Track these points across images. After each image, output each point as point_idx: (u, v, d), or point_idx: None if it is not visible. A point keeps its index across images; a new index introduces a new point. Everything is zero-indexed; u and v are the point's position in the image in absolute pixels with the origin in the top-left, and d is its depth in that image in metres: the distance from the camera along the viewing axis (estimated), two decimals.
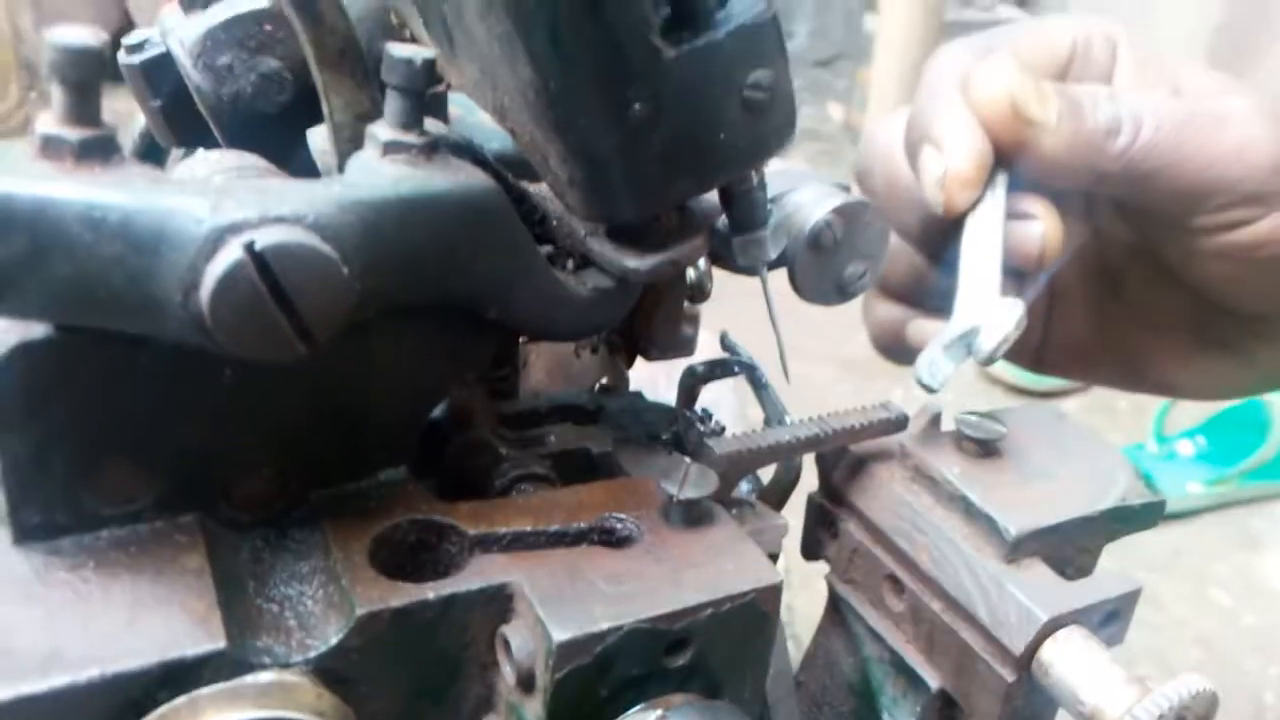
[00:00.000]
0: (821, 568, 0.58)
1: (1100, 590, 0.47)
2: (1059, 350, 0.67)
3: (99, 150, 0.35)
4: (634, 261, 0.44)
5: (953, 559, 0.49)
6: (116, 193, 0.34)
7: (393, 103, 0.39)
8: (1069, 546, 0.50)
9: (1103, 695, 0.42)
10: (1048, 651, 0.45)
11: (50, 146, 0.35)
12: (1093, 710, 0.42)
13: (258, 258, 0.33)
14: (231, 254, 0.33)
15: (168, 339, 0.35)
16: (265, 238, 0.34)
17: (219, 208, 0.34)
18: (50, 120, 0.35)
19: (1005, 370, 2.79)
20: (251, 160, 0.42)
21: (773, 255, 0.48)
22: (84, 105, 0.35)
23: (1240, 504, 2.36)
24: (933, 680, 0.50)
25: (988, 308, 0.51)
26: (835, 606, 0.56)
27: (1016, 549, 0.48)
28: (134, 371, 0.38)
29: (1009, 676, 0.46)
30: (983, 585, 0.47)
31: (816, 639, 0.58)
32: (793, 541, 0.55)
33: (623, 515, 0.45)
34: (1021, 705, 0.47)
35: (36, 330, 0.36)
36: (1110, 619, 0.48)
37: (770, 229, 0.47)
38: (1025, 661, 0.45)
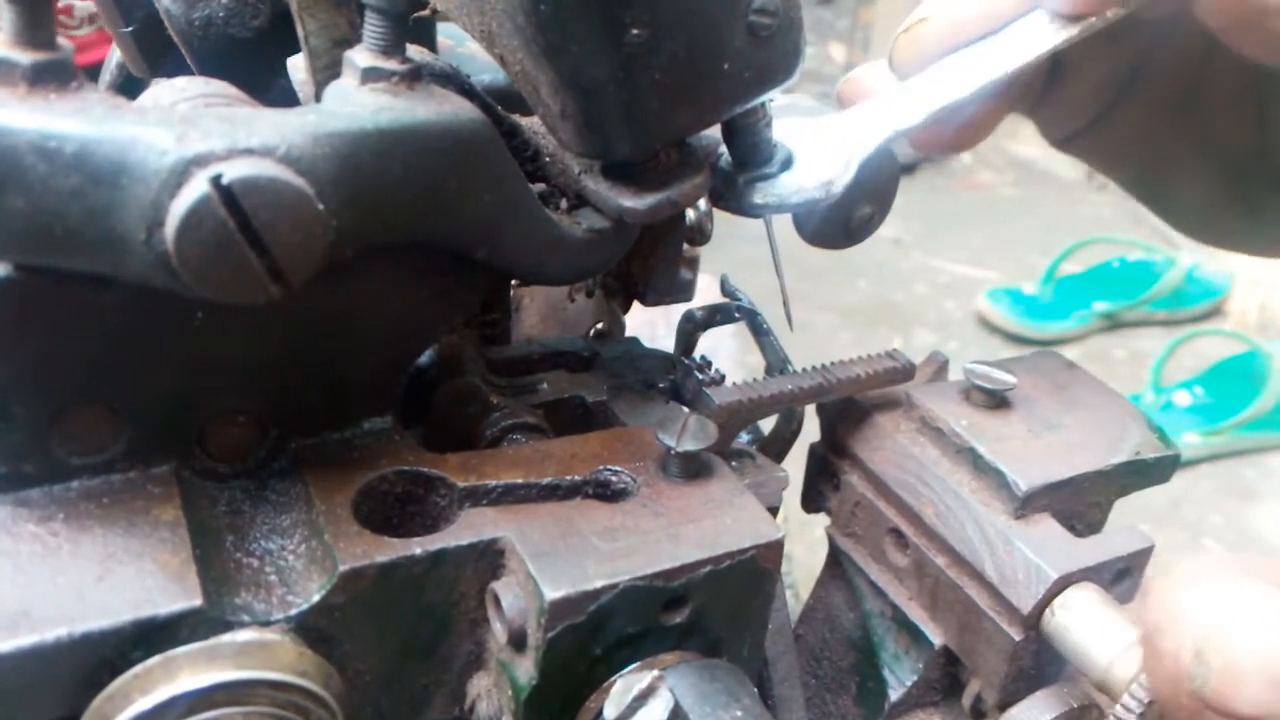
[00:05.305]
0: (819, 514, 0.57)
1: (1112, 547, 0.46)
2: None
3: (53, 74, 0.32)
4: (631, 201, 0.42)
5: (959, 513, 0.47)
6: (72, 120, 0.31)
7: (372, 25, 0.36)
8: (1080, 501, 0.49)
9: (1114, 656, 0.41)
10: (1057, 610, 0.43)
11: (0, 71, 0.32)
12: (1104, 671, 0.41)
13: (225, 192, 0.31)
14: (197, 188, 0.31)
15: (133, 279, 0.33)
16: (234, 170, 0.31)
17: (184, 138, 0.31)
18: None
19: (1004, 318, 2.78)
20: (221, 88, 0.39)
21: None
22: (36, 26, 0.32)
23: (1235, 455, 2.36)
24: (936, 637, 0.49)
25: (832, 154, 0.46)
26: (836, 559, 0.55)
27: (1026, 504, 0.46)
28: (99, 313, 0.36)
29: (1016, 635, 0.44)
30: (990, 541, 0.46)
31: (816, 592, 0.56)
32: (790, 489, 0.54)
33: (618, 467, 0.43)
34: (1028, 664, 0.45)
35: None
36: (1121, 577, 0.46)
37: (775, 166, 0.45)
38: (1033, 620, 0.44)
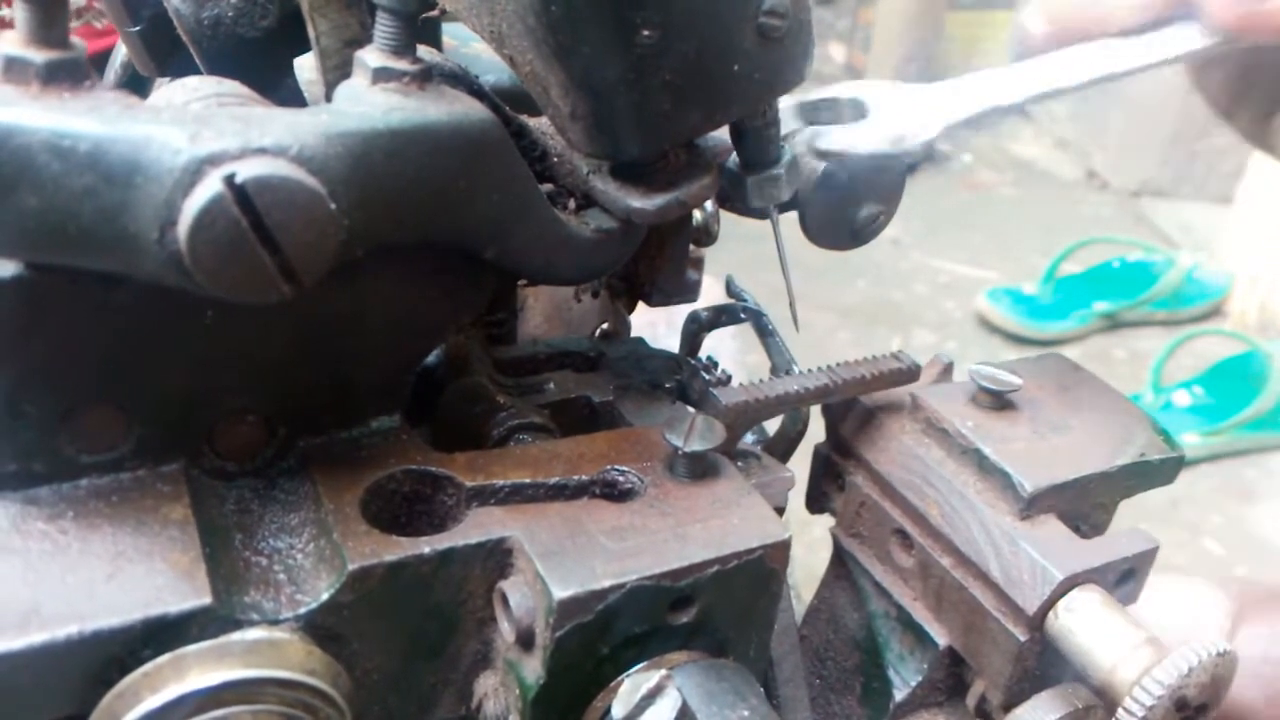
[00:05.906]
0: (818, 515, 0.57)
1: (1117, 549, 0.46)
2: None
3: (66, 73, 0.32)
4: (639, 201, 0.42)
5: (964, 514, 0.47)
6: (86, 119, 0.31)
7: (383, 26, 0.36)
8: (1085, 503, 0.49)
9: (1118, 657, 0.41)
10: (1062, 612, 0.44)
11: (14, 69, 0.32)
12: (1108, 672, 0.41)
13: (239, 191, 0.31)
14: (211, 187, 0.31)
15: (145, 278, 0.33)
16: (247, 170, 0.31)
17: (197, 137, 0.32)
18: (13, 41, 0.32)
19: (1004, 318, 2.78)
20: (233, 87, 0.39)
21: (785, 196, 0.46)
22: (50, 24, 0.32)
23: (1235, 455, 2.36)
24: (941, 637, 0.49)
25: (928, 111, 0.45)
26: (840, 560, 0.55)
27: (1031, 505, 0.46)
28: (110, 312, 0.36)
29: (1021, 636, 0.44)
30: (995, 542, 0.46)
31: (820, 593, 0.56)
32: (792, 490, 0.54)
33: (625, 467, 0.43)
34: (1033, 665, 0.45)
35: (5, 269, 0.34)
36: (1126, 578, 0.46)
37: (783, 168, 0.45)
38: (1038, 621, 0.44)
